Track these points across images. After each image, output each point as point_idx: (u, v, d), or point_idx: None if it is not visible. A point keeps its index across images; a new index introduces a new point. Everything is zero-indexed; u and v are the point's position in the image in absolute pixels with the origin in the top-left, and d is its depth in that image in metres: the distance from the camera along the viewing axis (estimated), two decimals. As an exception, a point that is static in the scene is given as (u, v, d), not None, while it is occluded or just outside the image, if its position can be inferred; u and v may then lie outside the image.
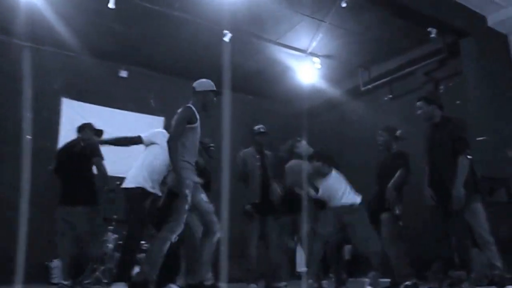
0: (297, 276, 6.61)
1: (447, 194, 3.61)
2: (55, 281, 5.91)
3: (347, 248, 6.98)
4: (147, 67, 8.28)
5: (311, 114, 8.89)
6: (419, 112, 3.98)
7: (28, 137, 6.72)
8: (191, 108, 3.50)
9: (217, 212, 4.24)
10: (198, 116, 3.53)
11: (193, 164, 3.49)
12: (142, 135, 3.89)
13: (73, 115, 7.51)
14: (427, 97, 4.04)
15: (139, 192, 3.65)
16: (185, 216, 3.30)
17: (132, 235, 3.62)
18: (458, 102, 7.39)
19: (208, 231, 3.40)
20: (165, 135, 3.84)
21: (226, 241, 3.98)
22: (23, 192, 2.79)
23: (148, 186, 3.69)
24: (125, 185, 3.75)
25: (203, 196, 3.54)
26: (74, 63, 7.64)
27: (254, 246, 4.56)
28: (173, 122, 3.49)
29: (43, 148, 7.06)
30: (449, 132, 3.72)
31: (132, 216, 3.66)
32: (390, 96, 8.41)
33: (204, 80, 3.72)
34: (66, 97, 7.61)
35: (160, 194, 3.73)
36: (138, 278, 3.17)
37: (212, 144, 4.91)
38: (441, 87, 7.76)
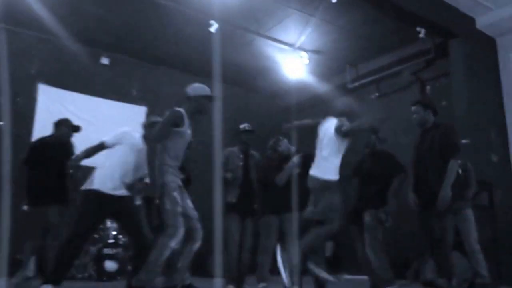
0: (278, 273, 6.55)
1: (433, 198, 3.58)
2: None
3: (328, 244, 6.95)
4: (130, 55, 8.04)
5: (298, 109, 8.78)
6: (414, 116, 3.92)
7: (1, 123, 6.44)
8: (180, 112, 3.34)
9: (210, 208, 4.27)
10: (186, 121, 3.37)
11: (176, 169, 3.35)
12: (105, 139, 3.75)
13: (50, 102, 7.24)
14: (423, 102, 3.99)
15: (92, 194, 3.51)
16: (180, 219, 3.17)
17: (71, 239, 3.44)
18: (444, 103, 7.41)
19: (190, 237, 3.28)
20: (133, 135, 3.77)
21: (219, 238, 3.89)
22: (4, 184, 2.61)
23: (105, 188, 3.53)
24: (82, 187, 3.64)
25: (188, 202, 3.44)
26: (52, 48, 7.35)
27: (235, 245, 4.46)
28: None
29: (17, 136, 6.80)
30: (441, 136, 3.69)
31: (78, 219, 3.51)
32: (377, 94, 8.38)
33: (197, 85, 3.53)
34: (43, 83, 7.31)
35: (125, 194, 3.65)
36: (136, 284, 3.02)
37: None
38: (428, 87, 7.76)
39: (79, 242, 3.45)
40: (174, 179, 3.25)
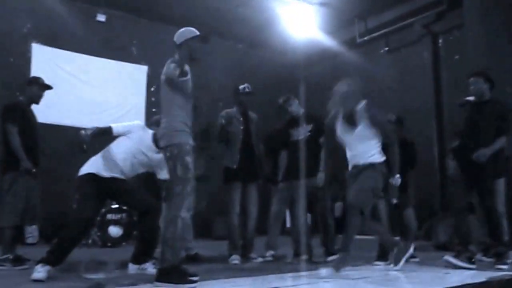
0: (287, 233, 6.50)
1: (479, 171, 3.66)
2: (29, 241, 5.67)
3: (338, 205, 6.86)
4: (127, 10, 7.63)
5: (305, 65, 8.50)
6: (472, 87, 3.85)
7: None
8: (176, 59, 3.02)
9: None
10: (188, 70, 3.06)
11: (190, 126, 3.07)
12: (114, 126, 3.55)
13: (44, 62, 6.92)
14: (485, 74, 3.89)
15: (89, 178, 3.36)
16: (190, 186, 2.88)
17: (74, 224, 3.29)
18: (456, 57, 7.12)
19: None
20: (144, 132, 3.58)
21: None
22: None
23: (100, 172, 3.39)
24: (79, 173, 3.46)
25: None
26: (45, 5, 6.95)
27: (236, 214, 4.22)
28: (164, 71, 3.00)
29: (11, 98, 6.54)
30: (498, 113, 3.74)
31: (78, 203, 3.38)
32: (386, 49, 8.05)
33: (182, 29, 3.18)
34: (37, 42, 6.97)
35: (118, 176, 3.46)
36: (165, 266, 2.79)
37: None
38: (440, 40, 7.42)
39: (82, 226, 3.29)
40: (187, 139, 2.91)
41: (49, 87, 4.17)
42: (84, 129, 3.37)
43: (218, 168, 4.37)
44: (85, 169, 3.42)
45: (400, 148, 3.66)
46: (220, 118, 4.35)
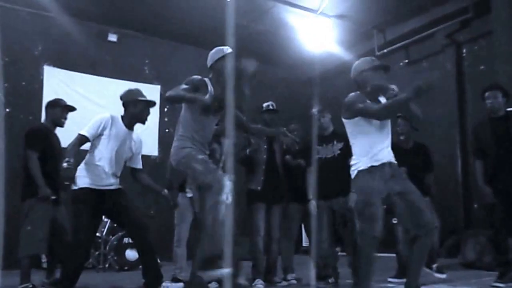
0: (304, 251, 6.27)
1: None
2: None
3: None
4: (139, 29, 7.51)
5: (322, 80, 8.24)
6: (490, 101, 3.78)
7: (6, 109, 6.05)
8: (202, 79, 3.04)
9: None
10: (210, 89, 3.02)
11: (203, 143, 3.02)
12: (84, 131, 3.39)
13: (57, 84, 6.80)
14: (503, 89, 3.84)
15: (84, 193, 3.31)
16: (218, 172, 2.83)
17: (75, 244, 3.29)
18: (482, 67, 6.80)
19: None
20: (115, 122, 3.43)
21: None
22: None
23: (96, 184, 3.35)
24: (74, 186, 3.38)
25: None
26: (56, 27, 6.84)
27: (261, 238, 4.06)
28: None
29: (24, 122, 6.39)
30: None
31: (76, 220, 3.34)
32: (406, 61, 7.78)
33: (213, 51, 3.16)
34: (49, 64, 6.84)
35: (116, 187, 3.45)
36: (206, 255, 2.72)
37: None
38: (464, 50, 7.11)
39: (83, 245, 3.29)
40: (192, 146, 2.90)
41: (72, 109, 4.05)
42: (66, 160, 3.16)
43: (241, 189, 4.13)
44: (80, 182, 3.31)
45: (414, 152, 3.79)
46: (240, 138, 4.14)
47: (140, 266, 5.51)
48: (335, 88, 8.37)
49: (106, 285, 3.56)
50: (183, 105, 3.02)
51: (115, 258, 5.80)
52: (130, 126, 3.47)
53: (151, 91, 7.64)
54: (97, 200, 3.27)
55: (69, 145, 3.31)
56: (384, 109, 2.74)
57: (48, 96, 6.66)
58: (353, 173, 2.83)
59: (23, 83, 6.64)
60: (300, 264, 4.38)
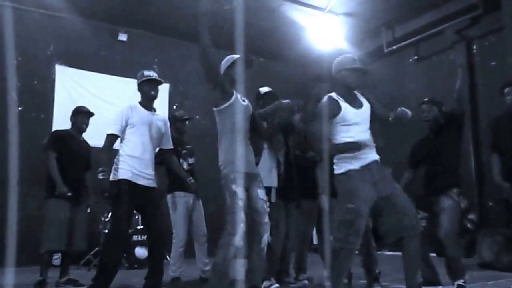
0: (314, 250, 6.24)
1: None
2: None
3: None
4: (149, 28, 7.56)
5: (330, 78, 8.22)
6: (510, 97, 3.87)
7: (19, 108, 6.15)
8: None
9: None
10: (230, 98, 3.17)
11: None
12: (111, 129, 3.45)
13: (68, 83, 6.88)
14: None
15: (122, 184, 3.34)
16: (240, 215, 2.88)
17: (111, 239, 3.36)
18: (493, 63, 6.74)
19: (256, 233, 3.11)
20: (137, 110, 3.51)
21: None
22: (11, 170, 2.29)
23: (133, 178, 3.37)
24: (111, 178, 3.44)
25: (259, 192, 3.16)
26: (67, 26, 6.94)
27: (281, 238, 3.93)
28: None
29: (36, 120, 6.51)
30: None
31: (114, 214, 3.39)
32: (416, 57, 7.73)
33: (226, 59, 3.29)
34: (60, 63, 6.93)
35: (152, 185, 3.48)
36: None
37: (186, 117, 4.60)
38: (475, 46, 7.05)
39: (121, 239, 3.32)
40: (232, 170, 2.99)
41: (91, 114, 4.44)
42: (100, 170, 3.29)
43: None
44: (119, 174, 3.32)
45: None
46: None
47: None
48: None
49: (115, 283, 3.58)
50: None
51: (125, 255, 5.77)
52: (149, 108, 3.55)
53: (160, 90, 7.66)
54: (133, 194, 3.29)
55: (101, 152, 3.41)
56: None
57: (59, 94, 6.78)
58: (338, 168, 2.80)
59: (36, 82, 6.74)
60: (310, 263, 4.28)
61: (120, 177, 3.29)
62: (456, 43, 7.14)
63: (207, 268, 4.26)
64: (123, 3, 6.82)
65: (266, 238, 3.09)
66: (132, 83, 7.85)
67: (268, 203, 3.22)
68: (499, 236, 5.06)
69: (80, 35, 6.99)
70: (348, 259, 2.69)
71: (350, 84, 2.92)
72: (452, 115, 3.58)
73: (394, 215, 2.72)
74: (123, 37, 7.46)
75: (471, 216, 4.87)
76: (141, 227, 5.92)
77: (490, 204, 6.50)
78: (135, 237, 5.84)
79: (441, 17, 7.09)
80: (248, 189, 3.10)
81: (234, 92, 3.14)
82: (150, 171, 3.43)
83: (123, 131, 3.42)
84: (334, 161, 2.87)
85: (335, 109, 2.83)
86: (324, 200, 3.83)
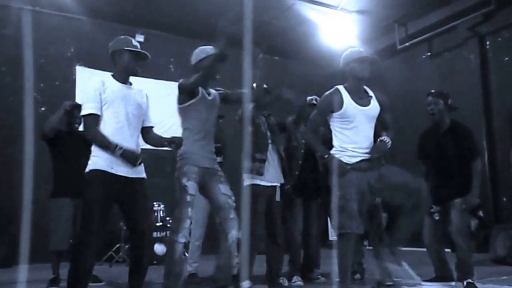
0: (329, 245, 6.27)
1: None
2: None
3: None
4: (165, 29, 7.74)
5: (343, 76, 8.30)
6: None
7: (41, 108, 6.38)
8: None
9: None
10: (200, 89, 3.08)
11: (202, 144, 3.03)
12: (92, 110, 2.75)
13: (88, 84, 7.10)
14: None
15: (96, 175, 2.72)
16: (187, 211, 2.83)
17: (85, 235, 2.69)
18: (506, 59, 6.74)
19: (222, 230, 2.93)
20: (106, 81, 2.85)
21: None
22: (26, 170, 2.27)
23: (111, 168, 2.72)
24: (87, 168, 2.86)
25: (221, 187, 3.01)
26: (86, 29, 7.16)
27: (298, 233, 4.00)
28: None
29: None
30: None
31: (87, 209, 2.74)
32: (429, 54, 7.75)
33: (196, 50, 3.27)
34: (80, 64, 7.16)
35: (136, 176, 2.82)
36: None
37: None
38: (488, 42, 7.05)
39: (94, 239, 2.64)
40: (185, 163, 2.93)
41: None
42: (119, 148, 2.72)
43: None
44: (94, 163, 2.70)
45: (450, 135, 3.46)
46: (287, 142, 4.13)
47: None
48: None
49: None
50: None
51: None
52: (124, 81, 2.91)
53: (175, 89, 7.90)
54: (110, 187, 2.65)
55: (93, 137, 2.74)
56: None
57: (80, 95, 7.01)
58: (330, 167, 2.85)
59: (57, 83, 6.98)
60: (325, 258, 4.22)
61: (92, 168, 2.68)
62: (469, 39, 7.15)
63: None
64: (140, 5, 7.01)
65: (234, 234, 2.92)
66: (148, 82, 8.11)
67: (233, 198, 3.03)
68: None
69: (99, 37, 7.19)
70: (349, 245, 2.75)
71: (360, 75, 2.91)
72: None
73: (397, 190, 2.80)
74: (140, 38, 7.63)
75: (480, 213, 4.86)
76: (160, 223, 6.10)
77: (504, 199, 6.52)
78: (154, 234, 5.92)
79: (454, 13, 7.11)
80: (204, 185, 2.98)
81: (200, 90, 3.03)
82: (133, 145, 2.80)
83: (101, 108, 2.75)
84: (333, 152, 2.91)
85: (336, 102, 2.85)
86: None
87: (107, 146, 2.67)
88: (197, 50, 3.20)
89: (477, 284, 3.28)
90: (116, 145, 2.66)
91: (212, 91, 3.19)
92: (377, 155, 2.84)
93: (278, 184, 3.73)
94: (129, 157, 2.69)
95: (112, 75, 2.91)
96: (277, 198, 3.71)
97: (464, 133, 3.52)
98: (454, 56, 7.44)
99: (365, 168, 2.82)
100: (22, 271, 3.79)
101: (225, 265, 2.96)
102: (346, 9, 7.20)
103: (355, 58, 2.94)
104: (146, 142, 3.02)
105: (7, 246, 5.54)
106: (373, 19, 7.48)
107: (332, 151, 2.90)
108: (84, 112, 2.75)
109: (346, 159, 2.82)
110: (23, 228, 2.46)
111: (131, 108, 2.83)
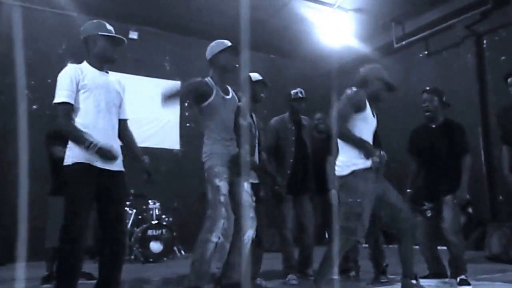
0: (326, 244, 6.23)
1: None
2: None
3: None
4: (159, 26, 7.66)
5: (340, 74, 8.25)
6: None
7: (33, 106, 6.26)
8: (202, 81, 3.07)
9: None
10: (214, 89, 3.03)
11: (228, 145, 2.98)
12: (61, 97, 2.56)
13: (81, 82, 6.98)
14: None
15: (76, 170, 2.53)
16: (222, 211, 2.80)
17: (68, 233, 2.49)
18: (503, 58, 6.72)
19: (239, 227, 2.95)
20: (83, 67, 2.70)
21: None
22: (21, 168, 2.17)
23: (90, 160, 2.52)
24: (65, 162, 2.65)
25: (246, 185, 3.03)
26: (79, 25, 6.99)
27: (289, 230, 3.94)
28: None
29: (50, 118, 6.60)
30: None
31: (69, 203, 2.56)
32: (426, 52, 7.72)
33: (212, 43, 3.18)
34: (72, 62, 6.99)
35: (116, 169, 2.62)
36: (186, 286, 2.77)
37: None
38: (484, 41, 7.03)
39: (79, 238, 2.46)
40: (216, 163, 2.90)
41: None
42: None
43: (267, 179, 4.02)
44: (74, 155, 2.49)
45: (442, 131, 3.48)
46: (268, 128, 4.05)
47: (165, 258, 5.78)
48: (353, 81, 8.37)
49: (130, 277, 3.62)
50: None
51: (140, 250, 5.87)
52: (100, 68, 2.74)
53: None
54: (90, 180, 2.49)
55: (66, 129, 2.54)
56: (343, 135, 2.78)
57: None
58: (345, 170, 2.81)
59: (49, 80, 6.84)
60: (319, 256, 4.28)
61: (73, 161, 2.49)
62: (466, 38, 7.13)
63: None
64: (134, 2, 6.89)
65: (251, 233, 2.96)
66: (142, 80, 8.01)
67: (254, 197, 3.08)
68: (507, 230, 5.11)
69: (91, 34, 7.08)
70: (348, 247, 2.81)
71: (380, 96, 3.01)
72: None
73: (391, 210, 2.84)
74: (134, 35, 7.53)
75: (469, 209, 4.86)
76: (156, 221, 6.03)
77: (500, 198, 6.51)
78: (150, 232, 5.91)
79: (451, 12, 7.09)
80: (233, 184, 2.97)
81: (214, 89, 3.00)
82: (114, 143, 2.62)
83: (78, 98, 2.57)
84: (338, 162, 2.87)
85: (363, 103, 2.87)
86: (334, 194, 3.76)
87: (81, 141, 2.46)
88: (213, 44, 3.16)
89: (470, 281, 3.30)
90: (91, 142, 2.44)
91: (231, 90, 3.18)
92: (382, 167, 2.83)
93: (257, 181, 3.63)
94: (105, 154, 2.48)
95: (88, 62, 2.74)
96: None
97: (456, 129, 3.55)
98: (451, 55, 7.42)
99: (377, 177, 2.83)
100: (19, 269, 3.72)
101: (239, 263, 2.97)
102: (342, 8, 7.16)
103: (379, 77, 3.02)
104: (118, 136, 2.74)
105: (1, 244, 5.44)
106: (370, 17, 7.45)
107: (349, 155, 2.83)
108: (56, 100, 2.55)
109: (358, 167, 2.79)
110: (20, 226, 2.36)
111: (111, 96, 2.68)
